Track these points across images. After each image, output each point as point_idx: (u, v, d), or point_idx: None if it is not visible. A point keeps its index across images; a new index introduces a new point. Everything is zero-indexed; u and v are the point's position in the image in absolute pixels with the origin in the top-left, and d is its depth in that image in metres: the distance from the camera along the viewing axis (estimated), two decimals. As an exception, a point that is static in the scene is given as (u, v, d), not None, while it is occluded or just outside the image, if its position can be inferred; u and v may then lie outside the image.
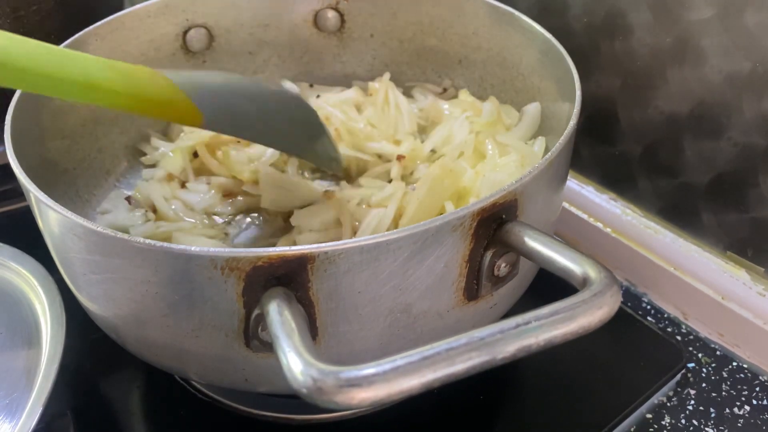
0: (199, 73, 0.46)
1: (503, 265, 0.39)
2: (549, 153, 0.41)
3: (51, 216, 0.39)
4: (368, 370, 0.28)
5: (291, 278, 0.35)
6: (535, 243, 0.36)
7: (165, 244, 0.35)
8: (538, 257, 0.36)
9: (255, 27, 0.66)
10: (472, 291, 0.40)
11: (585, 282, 0.33)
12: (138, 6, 0.60)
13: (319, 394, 0.28)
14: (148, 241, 0.35)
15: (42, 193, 0.39)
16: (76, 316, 0.47)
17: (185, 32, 0.63)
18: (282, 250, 0.34)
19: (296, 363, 0.29)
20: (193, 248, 0.35)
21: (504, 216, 0.38)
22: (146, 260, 0.36)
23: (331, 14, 0.66)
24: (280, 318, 0.32)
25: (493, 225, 0.38)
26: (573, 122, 0.44)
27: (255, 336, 0.37)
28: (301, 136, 0.50)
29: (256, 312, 0.36)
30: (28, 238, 0.50)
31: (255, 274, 0.35)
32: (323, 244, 0.35)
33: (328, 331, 0.38)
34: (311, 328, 0.37)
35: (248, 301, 0.36)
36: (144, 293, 0.38)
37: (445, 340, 0.29)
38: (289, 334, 0.31)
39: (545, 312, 0.31)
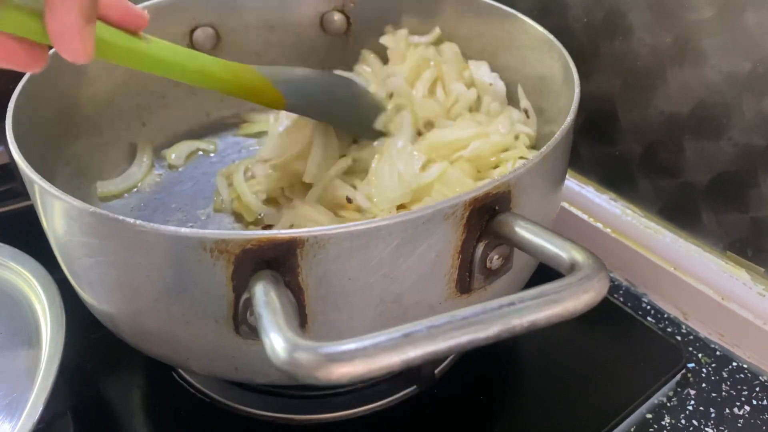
0: (282, 68, 0.55)
1: (496, 257, 0.39)
2: (545, 146, 0.41)
3: (47, 200, 0.39)
4: (348, 345, 0.28)
5: (280, 262, 0.35)
6: (525, 232, 0.36)
7: (155, 225, 0.35)
8: (529, 246, 0.36)
9: (261, 28, 0.66)
10: (464, 283, 0.40)
11: (572, 267, 0.33)
12: (145, 4, 0.60)
13: (299, 369, 0.28)
14: (138, 222, 0.35)
15: (38, 175, 0.39)
16: (76, 316, 0.47)
17: (192, 31, 0.63)
18: (271, 233, 0.34)
19: (277, 339, 0.29)
20: (182, 230, 0.35)
21: (497, 207, 0.38)
22: (138, 242, 0.36)
23: (337, 17, 0.67)
24: (265, 298, 0.32)
25: (486, 216, 0.38)
26: (570, 117, 0.44)
27: (244, 321, 0.37)
28: (362, 117, 0.59)
29: (245, 296, 0.36)
30: (28, 238, 0.50)
31: (244, 257, 0.35)
32: (313, 229, 0.35)
33: (318, 319, 0.38)
34: (300, 315, 0.37)
35: (237, 285, 0.36)
36: (135, 276, 0.38)
37: (428, 318, 0.29)
38: (272, 312, 0.31)
39: (530, 294, 0.31)
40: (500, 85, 0.60)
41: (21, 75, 0.50)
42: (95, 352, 0.55)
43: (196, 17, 0.63)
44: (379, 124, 0.58)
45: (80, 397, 0.53)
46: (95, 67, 0.58)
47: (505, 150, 0.55)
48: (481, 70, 0.61)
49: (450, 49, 0.62)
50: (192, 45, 0.63)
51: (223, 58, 0.67)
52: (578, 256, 0.33)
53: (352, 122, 0.58)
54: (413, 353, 0.28)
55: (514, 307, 0.30)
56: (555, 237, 0.35)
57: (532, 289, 0.31)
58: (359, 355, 0.28)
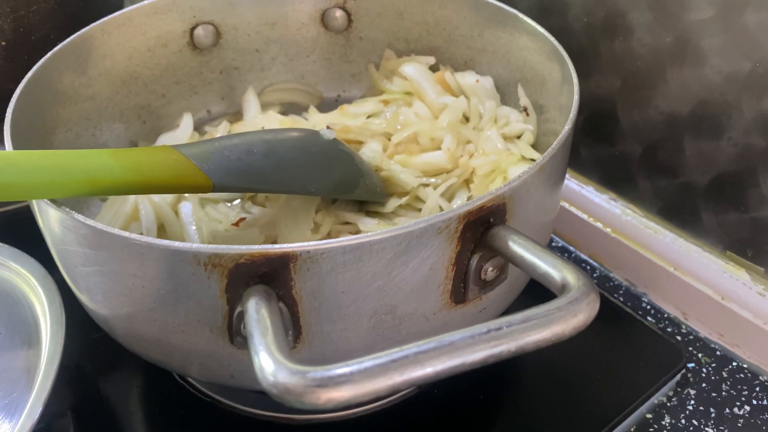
0: (211, 141, 0.46)
1: (490, 269, 0.39)
2: (542, 157, 0.40)
3: (43, 208, 0.39)
4: (336, 371, 0.28)
5: (274, 276, 0.35)
6: (519, 248, 0.36)
7: (149, 239, 0.36)
8: (521, 262, 0.36)
9: (262, 25, 0.66)
10: (459, 294, 0.40)
11: (563, 288, 0.33)
12: (145, 2, 0.60)
13: (287, 393, 0.28)
14: (133, 235, 0.36)
15: None
16: (76, 316, 0.47)
17: (192, 29, 0.63)
18: (264, 247, 0.34)
19: (266, 362, 0.29)
20: (176, 243, 0.35)
21: (492, 219, 0.38)
22: (132, 254, 0.36)
23: (338, 13, 0.66)
24: (256, 316, 0.32)
25: (481, 228, 0.38)
26: (568, 127, 0.43)
27: (238, 333, 0.37)
28: (336, 179, 0.51)
29: (238, 309, 0.36)
30: (28, 238, 0.50)
31: (238, 271, 0.35)
32: (306, 243, 0.35)
33: (312, 330, 0.38)
34: (294, 327, 0.37)
35: (231, 298, 0.36)
36: (131, 287, 0.38)
37: (415, 343, 0.29)
38: (262, 333, 0.31)
39: (518, 318, 0.31)
40: (487, 81, 0.60)
41: (21, 75, 0.50)
42: (95, 352, 0.55)
43: (197, 14, 0.63)
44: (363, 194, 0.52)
45: (80, 397, 0.53)
46: (95, 66, 0.58)
47: (496, 168, 0.55)
48: (466, 76, 0.61)
49: (410, 68, 0.63)
50: (192, 42, 0.63)
51: (223, 57, 0.68)
52: (569, 276, 0.33)
53: (319, 186, 0.50)
54: (400, 379, 0.28)
55: (502, 332, 0.30)
56: (548, 255, 0.35)
57: (520, 313, 0.31)
58: (346, 381, 0.28)
